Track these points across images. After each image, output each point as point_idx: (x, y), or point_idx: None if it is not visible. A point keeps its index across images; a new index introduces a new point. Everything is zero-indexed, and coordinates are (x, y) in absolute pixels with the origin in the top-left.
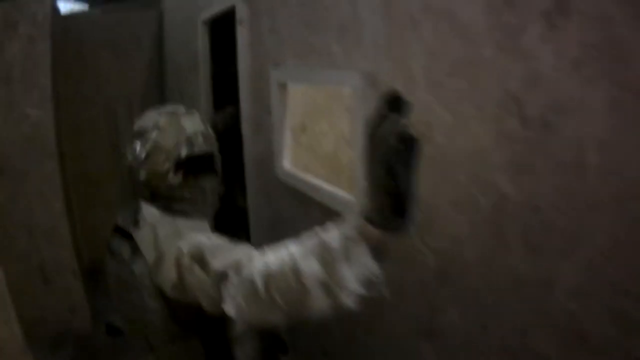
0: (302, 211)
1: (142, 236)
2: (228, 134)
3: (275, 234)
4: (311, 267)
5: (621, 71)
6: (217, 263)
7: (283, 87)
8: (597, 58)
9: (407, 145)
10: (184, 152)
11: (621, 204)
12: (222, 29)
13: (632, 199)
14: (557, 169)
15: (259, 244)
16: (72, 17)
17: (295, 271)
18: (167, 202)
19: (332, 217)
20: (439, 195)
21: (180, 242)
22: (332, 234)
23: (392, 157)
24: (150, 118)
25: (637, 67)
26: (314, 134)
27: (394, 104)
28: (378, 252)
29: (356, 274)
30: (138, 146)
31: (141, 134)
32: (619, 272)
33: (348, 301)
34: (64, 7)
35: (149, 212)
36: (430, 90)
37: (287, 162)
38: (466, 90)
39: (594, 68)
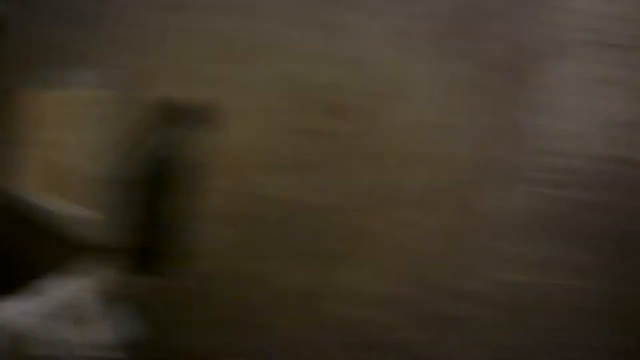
0: (35, 238)
1: None
2: None
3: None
4: (46, 331)
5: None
6: None
7: (13, 93)
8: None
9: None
10: None
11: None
12: None
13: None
14: (370, 164)
15: None
16: None
17: (18, 335)
18: None
19: (67, 246)
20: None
21: None
22: (73, 290)
23: (166, 184)
24: None
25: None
26: (55, 147)
27: (177, 116)
28: (137, 304)
29: (108, 335)
30: None
31: None
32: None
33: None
34: None
35: None
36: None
37: (19, 183)
38: (248, 76)
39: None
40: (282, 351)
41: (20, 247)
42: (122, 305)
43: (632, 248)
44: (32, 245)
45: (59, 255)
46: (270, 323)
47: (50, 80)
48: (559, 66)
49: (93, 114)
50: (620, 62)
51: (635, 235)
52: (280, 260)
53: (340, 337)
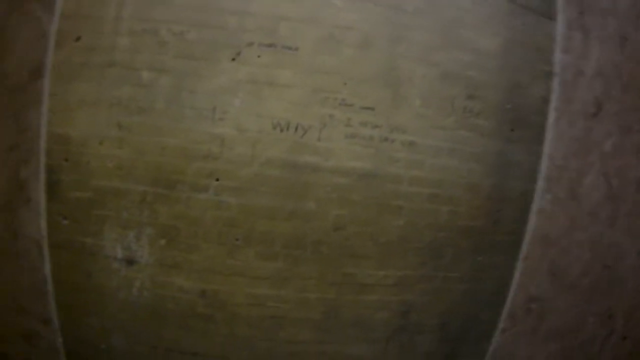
0: None
1: None
2: None
3: None
4: None
5: None
6: None
7: None
8: None
9: None
10: None
11: None
12: None
13: None
14: None
15: None
16: None
17: None
18: None
19: None
20: None
21: None
22: None
23: None
24: None
25: None
26: None
27: None
28: None
29: None
30: None
31: None
32: None
33: None
34: None
35: None
36: None
37: None
38: None
39: None
40: None
41: None
42: None
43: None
44: None
45: None
46: None
47: None
48: (230, 69)
49: None
50: (295, 65)
51: (311, 240)
52: None
53: None
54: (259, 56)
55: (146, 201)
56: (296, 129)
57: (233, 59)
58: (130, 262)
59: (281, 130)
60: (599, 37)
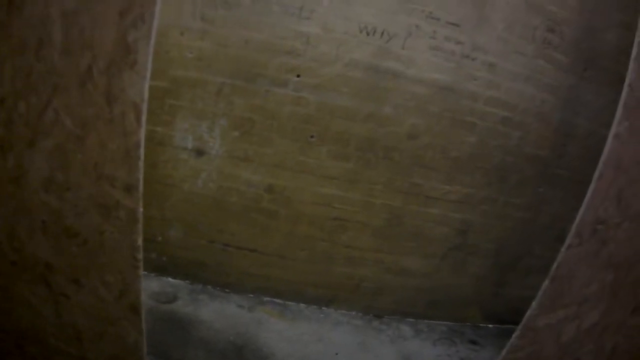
0: None
1: None
2: None
3: None
4: None
5: None
6: None
7: None
8: None
9: None
10: None
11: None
12: None
13: None
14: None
15: None
16: None
17: None
18: None
19: None
20: None
21: None
22: None
23: None
24: None
25: None
26: None
27: None
28: None
29: None
30: None
31: None
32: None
33: None
34: None
35: None
36: None
37: None
38: None
39: None
40: None
41: None
42: None
43: (387, 151)
44: None
45: None
46: None
47: None
48: None
49: None
50: None
51: (383, 145)
52: None
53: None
54: None
55: (223, 93)
56: (382, 34)
57: None
58: (199, 152)
59: (367, 34)
60: None
